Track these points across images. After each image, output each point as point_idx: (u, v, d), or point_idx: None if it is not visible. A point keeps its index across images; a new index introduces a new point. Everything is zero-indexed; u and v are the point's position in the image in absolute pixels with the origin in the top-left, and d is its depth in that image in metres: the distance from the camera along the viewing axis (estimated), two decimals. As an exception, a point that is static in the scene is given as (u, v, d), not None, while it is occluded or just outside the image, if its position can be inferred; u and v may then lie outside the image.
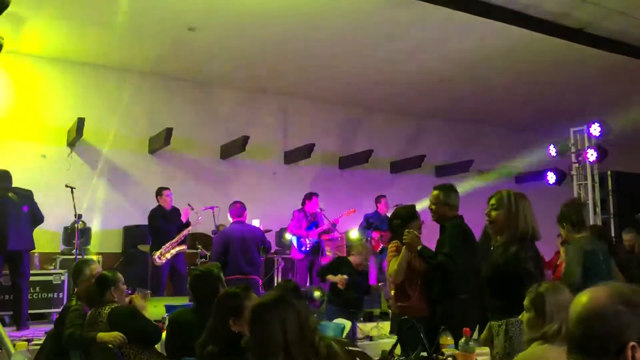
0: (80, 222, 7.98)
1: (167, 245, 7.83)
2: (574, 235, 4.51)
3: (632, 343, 1.44)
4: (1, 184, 7.07)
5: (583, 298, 1.57)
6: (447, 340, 3.37)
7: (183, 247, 7.97)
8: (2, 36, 3.93)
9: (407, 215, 4.76)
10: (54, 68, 9.09)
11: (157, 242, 7.96)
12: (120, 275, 4.31)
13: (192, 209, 8.16)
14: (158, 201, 8.21)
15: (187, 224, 8.10)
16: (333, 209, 9.23)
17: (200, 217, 8.15)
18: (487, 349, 3.39)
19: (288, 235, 8.92)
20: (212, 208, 8.29)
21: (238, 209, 7.09)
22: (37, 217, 7.22)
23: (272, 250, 9.59)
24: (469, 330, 3.21)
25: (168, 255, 7.82)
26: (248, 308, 2.86)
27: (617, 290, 1.55)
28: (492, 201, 3.59)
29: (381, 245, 9.17)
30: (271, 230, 9.19)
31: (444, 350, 3.35)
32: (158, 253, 7.79)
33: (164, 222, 8.01)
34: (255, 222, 8.07)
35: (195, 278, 3.95)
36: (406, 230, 4.42)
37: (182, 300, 6.58)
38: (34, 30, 8.04)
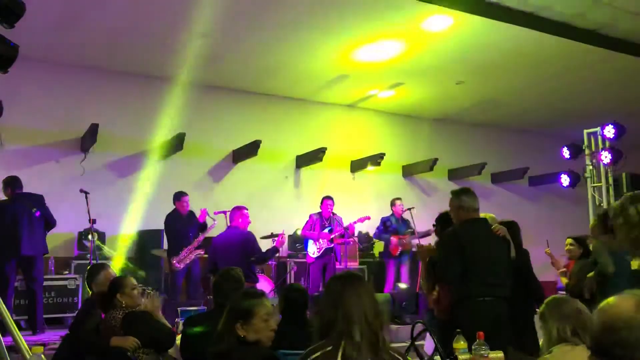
0: (95, 227, 8.05)
1: (185, 250, 7.90)
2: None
3: None
4: (12, 189, 7.14)
5: (611, 306, 1.58)
6: (460, 344, 3.34)
7: (200, 251, 8.00)
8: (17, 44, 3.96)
9: (439, 220, 4.88)
10: (68, 74, 9.16)
11: (174, 246, 8.03)
12: (130, 281, 4.30)
13: (208, 215, 8.20)
14: (175, 206, 8.29)
15: (204, 227, 8.13)
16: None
17: (215, 221, 8.16)
18: (501, 353, 3.37)
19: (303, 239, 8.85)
20: (224, 212, 8.31)
21: (230, 214, 7.06)
22: (49, 222, 7.28)
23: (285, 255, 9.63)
24: (482, 334, 3.20)
25: (187, 260, 7.88)
26: (258, 315, 2.92)
27: None
28: None
29: (400, 249, 9.15)
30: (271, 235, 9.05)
31: (457, 354, 3.32)
32: (177, 258, 7.86)
33: (181, 226, 8.07)
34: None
35: (219, 279, 3.99)
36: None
37: (196, 306, 6.61)
38: (48, 37, 8.11)
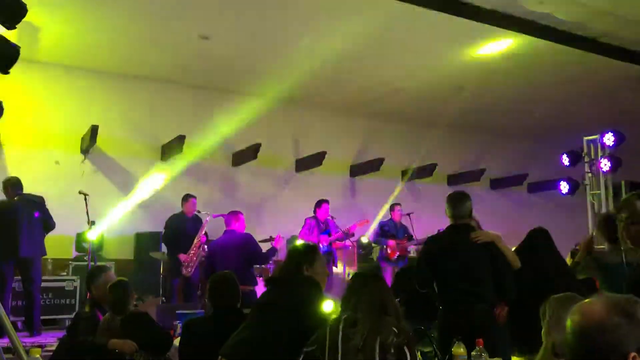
0: (93, 229, 8.03)
1: (186, 256, 7.90)
2: None
3: (633, 354, 1.47)
4: (12, 190, 7.13)
5: (581, 313, 1.58)
6: (459, 350, 3.33)
7: (203, 252, 7.95)
8: (19, 45, 3.96)
9: None
10: (68, 75, 9.16)
11: (177, 248, 8.06)
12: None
13: (208, 214, 8.23)
14: (183, 207, 8.34)
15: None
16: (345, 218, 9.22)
17: (213, 216, 8.14)
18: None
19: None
20: (223, 215, 8.29)
21: (226, 218, 7.08)
22: (48, 224, 7.26)
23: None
24: (482, 341, 3.19)
25: (193, 265, 7.88)
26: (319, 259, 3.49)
27: (613, 301, 1.56)
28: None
29: (397, 254, 9.15)
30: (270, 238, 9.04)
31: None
32: (185, 265, 7.89)
33: (187, 228, 8.12)
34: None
35: (216, 284, 3.98)
36: None
37: (193, 309, 6.58)
38: (49, 39, 8.10)
